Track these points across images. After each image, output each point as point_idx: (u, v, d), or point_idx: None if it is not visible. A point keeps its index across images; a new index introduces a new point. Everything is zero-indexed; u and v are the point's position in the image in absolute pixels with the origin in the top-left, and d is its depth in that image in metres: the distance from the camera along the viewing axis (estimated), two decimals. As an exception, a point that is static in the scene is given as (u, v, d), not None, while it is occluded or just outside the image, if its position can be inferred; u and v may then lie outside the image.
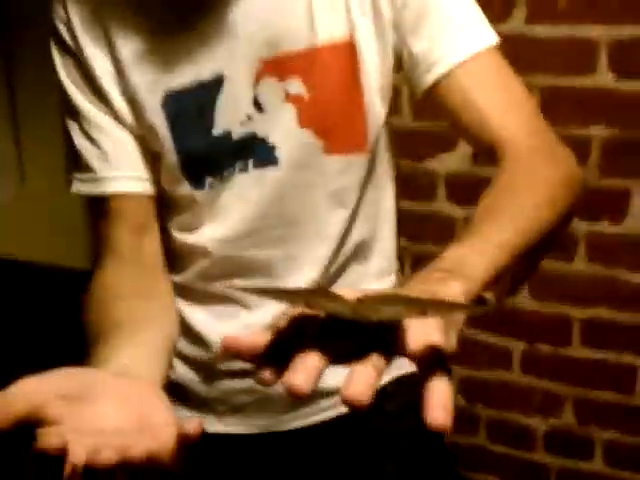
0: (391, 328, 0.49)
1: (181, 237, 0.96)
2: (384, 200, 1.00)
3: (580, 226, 1.63)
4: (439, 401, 0.45)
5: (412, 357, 0.48)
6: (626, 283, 1.63)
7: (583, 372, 1.73)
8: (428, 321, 0.51)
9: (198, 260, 0.96)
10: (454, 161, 1.73)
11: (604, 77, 1.55)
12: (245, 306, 0.96)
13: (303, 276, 0.95)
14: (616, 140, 1.57)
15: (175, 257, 0.97)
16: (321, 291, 0.58)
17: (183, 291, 0.96)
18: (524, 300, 1.72)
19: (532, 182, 0.79)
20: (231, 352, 0.51)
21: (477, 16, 0.89)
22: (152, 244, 0.93)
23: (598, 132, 1.58)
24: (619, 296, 1.65)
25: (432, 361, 0.47)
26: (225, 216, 0.93)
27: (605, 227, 1.63)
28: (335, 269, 0.96)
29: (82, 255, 2.52)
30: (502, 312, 1.67)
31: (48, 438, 0.51)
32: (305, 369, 0.45)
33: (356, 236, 0.97)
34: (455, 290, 0.58)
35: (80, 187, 0.92)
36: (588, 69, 1.57)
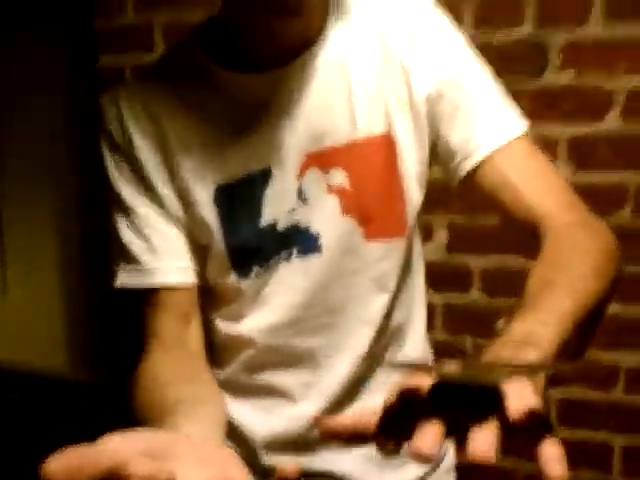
0: (494, 394, 0.52)
1: (227, 328, 0.98)
2: (418, 283, 1.03)
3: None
4: (553, 455, 0.48)
5: (515, 421, 0.50)
6: (598, 362, 1.72)
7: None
8: (524, 386, 0.54)
9: (243, 351, 0.98)
10: (430, 250, 1.83)
11: (562, 170, 1.70)
12: (290, 398, 0.98)
13: (344, 364, 0.97)
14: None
15: (219, 350, 0.99)
16: (425, 366, 0.61)
17: (226, 386, 0.97)
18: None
19: (577, 254, 0.81)
20: (328, 434, 0.56)
21: (508, 104, 0.94)
22: (196, 333, 0.94)
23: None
24: (592, 375, 1.73)
25: (534, 423, 0.50)
26: (270, 305, 0.95)
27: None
28: (375, 354, 0.98)
29: (62, 362, 2.53)
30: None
31: None
32: (430, 434, 0.49)
33: (395, 320, 0.99)
34: (533, 356, 0.61)
35: (126, 280, 0.94)
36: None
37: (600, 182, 1.67)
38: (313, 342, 0.97)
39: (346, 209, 0.93)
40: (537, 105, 1.68)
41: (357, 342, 0.97)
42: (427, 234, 1.82)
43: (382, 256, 0.95)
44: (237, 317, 0.97)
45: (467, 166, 0.91)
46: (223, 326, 0.98)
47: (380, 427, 0.54)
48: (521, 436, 0.51)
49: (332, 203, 0.92)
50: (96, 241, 2.21)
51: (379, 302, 0.97)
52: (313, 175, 0.92)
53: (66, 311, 2.53)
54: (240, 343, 0.98)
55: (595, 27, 1.62)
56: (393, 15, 0.93)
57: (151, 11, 2.01)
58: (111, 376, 2.28)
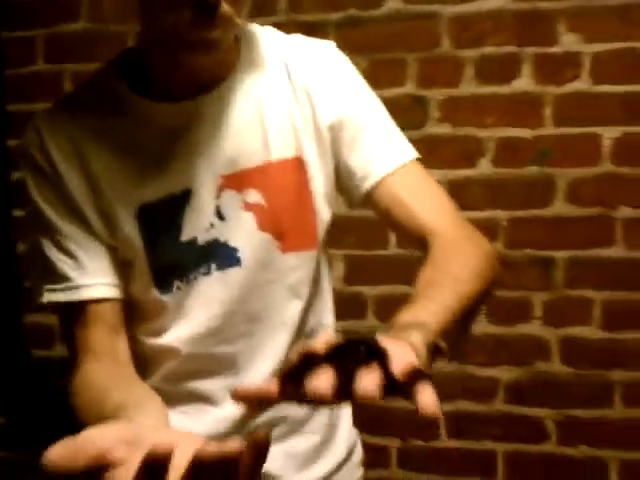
0: (377, 351, 0.61)
1: (150, 341, 1.01)
2: (328, 290, 1.09)
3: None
4: (428, 398, 0.57)
5: (399, 376, 0.59)
6: (479, 378, 1.94)
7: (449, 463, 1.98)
8: (404, 348, 0.64)
9: (166, 362, 1.02)
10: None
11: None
12: (213, 403, 1.02)
13: (265, 366, 1.01)
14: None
15: (143, 362, 1.01)
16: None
17: None
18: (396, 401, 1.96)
19: (459, 260, 0.89)
20: (246, 401, 0.61)
21: (398, 134, 1.03)
22: (124, 345, 0.97)
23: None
24: (474, 390, 1.94)
25: (414, 376, 0.60)
26: (192, 317, 0.99)
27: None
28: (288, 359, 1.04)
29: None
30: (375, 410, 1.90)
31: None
32: (323, 376, 0.57)
33: (309, 324, 1.05)
34: (416, 338, 0.69)
35: (53, 297, 0.96)
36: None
37: (475, 218, 1.91)
38: (234, 349, 1.01)
39: (262, 225, 0.98)
40: (420, 152, 1.91)
41: (275, 346, 1.02)
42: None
43: (296, 266, 1.01)
44: (160, 329, 1.00)
45: (365, 186, 0.99)
46: (147, 339, 1.01)
47: (283, 381, 0.61)
48: (401, 383, 0.60)
49: (249, 219, 0.97)
50: None
51: (294, 308, 1.02)
52: (229, 195, 0.97)
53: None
54: (163, 354, 1.01)
55: (468, 87, 1.88)
56: (299, 51, 1.01)
57: (61, 61, 2.11)
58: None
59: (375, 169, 0.99)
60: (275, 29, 1.04)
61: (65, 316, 0.98)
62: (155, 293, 0.98)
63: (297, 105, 0.99)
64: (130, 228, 0.95)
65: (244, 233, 0.98)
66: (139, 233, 0.95)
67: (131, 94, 0.96)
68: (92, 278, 0.95)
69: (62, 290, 0.96)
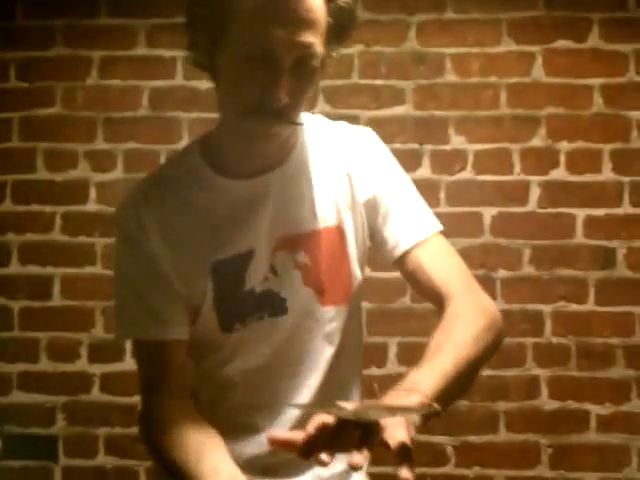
0: (375, 427, 0.80)
1: (213, 372, 1.15)
2: (356, 338, 1.22)
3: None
4: (407, 473, 0.77)
5: (390, 449, 0.78)
6: None
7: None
8: (398, 422, 0.81)
9: (226, 392, 1.16)
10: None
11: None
12: (256, 431, 1.15)
13: (299, 400, 1.14)
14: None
15: (209, 392, 1.17)
16: (335, 406, 0.86)
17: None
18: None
19: (466, 326, 1.02)
20: (278, 446, 0.82)
21: (425, 210, 1.17)
22: (187, 380, 1.14)
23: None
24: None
25: (401, 450, 0.78)
26: (247, 353, 1.13)
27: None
28: (326, 394, 1.16)
29: None
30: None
31: None
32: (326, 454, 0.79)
33: (340, 368, 1.18)
34: (414, 400, 0.86)
35: (137, 332, 1.13)
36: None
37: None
38: (277, 385, 1.15)
39: (307, 281, 1.12)
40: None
41: (310, 385, 1.15)
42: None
43: (332, 318, 1.15)
44: (221, 362, 1.14)
45: (394, 255, 1.14)
46: (211, 370, 1.15)
47: (304, 445, 0.81)
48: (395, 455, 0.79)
49: (297, 276, 1.12)
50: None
51: (327, 354, 1.15)
52: (283, 254, 1.12)
53: None
54: (225, 383, 1.15)
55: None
56: (342, 137, 1.16)
57: (34, 139, 2.40)
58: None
59: (403, 241, 1.13)
60: (322, 117, 1.20)
61: (144, 351, 1.15)
62: (219, 333, 1.12)
63: (339, 184, 1.14)
64: (205, 280, 1.10)
65: (292, 287, 1.12)
66: (212, 284, 1.11)
67: (210, 172, 1.11)
68: (168, 322, 1.11)
69: (146, 328, 1.11)
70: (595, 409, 2.26)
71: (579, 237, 2.28)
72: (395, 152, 2.23)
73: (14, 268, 2.41)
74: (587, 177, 2.29)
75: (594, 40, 2.31)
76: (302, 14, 0.98)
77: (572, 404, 2.26)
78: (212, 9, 1.01)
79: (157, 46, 2.37)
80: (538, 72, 2.32)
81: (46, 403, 2.40)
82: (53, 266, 2.40)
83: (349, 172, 1.15)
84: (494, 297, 2.27)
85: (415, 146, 2.32)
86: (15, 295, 2.41)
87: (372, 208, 1.15)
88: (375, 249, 1.17)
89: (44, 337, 2.41)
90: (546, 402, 2.26)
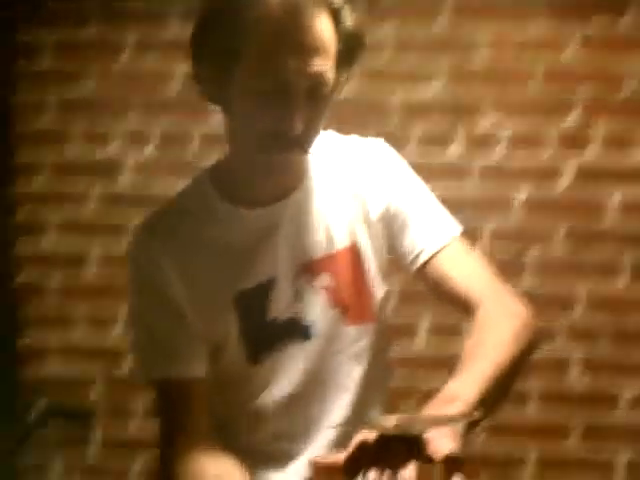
0: (421, 440, 0.77)
1: (241, 406, 1.14)
2: (385, 356, 1.22)
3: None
4: None
5: (436, 461, 0.75)
6: None
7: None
8: (443, 434, 0.79)
9: (255, 425, 1.14)
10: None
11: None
12: (289, 460, 1.14)
13: (333, 423, 1.14)
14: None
15: (235, 426, 1.15)
16: (377, 422, 0.89)
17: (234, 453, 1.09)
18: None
19: (497, 330, 1.01)
20: (320, 470, 0.81)
21: (443, 215, 1.15)
22: (208, 419, 1.10)
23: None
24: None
25: (449, 461, 0.75)
26: (277, 384, 1.12)
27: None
28: (356, 414, 1.16)
29: None
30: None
31: None
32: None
33: (371, 387, 1.17)
34: (456, 409, 0.85)
35: (157, 375, 1.10)
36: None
37: None
38: (310, 411, 1.14)
39: (331, 302, 1.13)
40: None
41: (342, 406, 1.15)
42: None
43: (358, 337, 1.15)
44: (250, 396, 1.13)
45: (416, 265, 1.13)
46: (238, 404, 1.14)
47: (347, 465, 0.80)
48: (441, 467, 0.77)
49: (320, 299, 1.12)
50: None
51: (356, 374, 1.15)
52: (304, 280, 1.12)
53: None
54: (252, 417, 1.14)
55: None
56: (353, 154, 1.16)
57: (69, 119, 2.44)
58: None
59: (423, 251, 1.12)
60: (334, 132, 1.18)
61: (163, 394, 1.13)
62: (246, 365, 1.12)
63: (351, 203, 1.14)
64: (227, 314, 1.10)
65: (316, 311, 1.13)
66: (235, 316, 1.10)
67: (223, 203, 1.11)
68: (188, 360, 1.10)
69: (164, 369, 1.10)
70: (626, 389, 2.27)
71: (612, 218, 2.28)
72: (427, 132, 2.33)
73: (50, 243, 2.47)
74: (621, 158, 2.28)
75: (631, 19, 2.28)
76: (313, 42, 0.98)
77: (603, 383, 2.27)
78: (221, 41, 1.00)
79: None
80: (573, 52, 2.30)
81: (83, 374, 2.46)
82: (89, 241, 2.45)
83: (361, 189, 1.14)
84: (525, 278, 2.29)
85: (447, 126, 2.32)
86: (52, 268, 2.46)
87: (388, 221, 1.14)
88: (397, 261, 1.16)
89: (81, 309, 2.46)
90: (577, 381, 2.27)
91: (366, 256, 1.14)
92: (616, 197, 2.29)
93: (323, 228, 1.13)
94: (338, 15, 1.01)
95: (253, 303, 1.11)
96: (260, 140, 1.02)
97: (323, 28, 0.99)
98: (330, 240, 1.13)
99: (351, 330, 1.15)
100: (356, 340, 1.15)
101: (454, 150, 2.33)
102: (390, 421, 0.80)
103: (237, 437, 1.15)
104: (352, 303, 1.14)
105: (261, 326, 1.11)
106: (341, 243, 1.13)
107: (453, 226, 1.15)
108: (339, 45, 1.02)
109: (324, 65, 0.99)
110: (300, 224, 1.12)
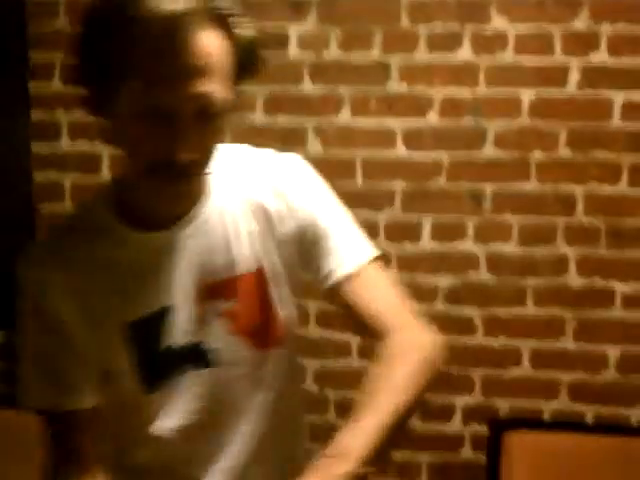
0: None
1: (136, 433, 1.10)
2: (296, 383, 1.21)
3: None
4: None
5: None
6: (423, 284, 2.42)
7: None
8: None
9: (153, 451, 1.11)
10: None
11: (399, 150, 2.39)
12: None
13: (236, 449, 1.12)
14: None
15: (130, 453, 1.12)
16: None
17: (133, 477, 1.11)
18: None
19: (399, 371, 0.98)
20: None
21: (358, 236, 1.11)
22: (97, 447, 1.06)
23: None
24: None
25: None
26: (174, 411, 1.08)
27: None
28: (261, 442, 1.15)
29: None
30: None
31: None
32: None
33: (282, 413, 1.15)
34: (342, 470, 0.87)
35: (43, 404, 1.05)
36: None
37: (422, 162, 2.38)
38: (212, 436, 1.12)
39: (234, 328, 1.08)
40: (382, 107, 2.38)
41: (247, 433, 1.13)
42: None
43: (261, 363, 1.11)
44: (146, 423, 1.09)
45: (327, 285, 1.09)
46: (133, 431, 1.10)
47: None
48: None
49: (222, 324, 1.08)
50: None
51: (263, 399, 1.13)
52: (204, 305, 1.07)
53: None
54: (150, 443, 1.10)
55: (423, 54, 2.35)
56: (263, 171, 1.10)
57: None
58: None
59: (335, 271, 1.08)
60: (246, 146, 1.13)
61: (51, 422, 1.08)
62: (140, 394, 1.07)
63: (256, 224, 1.08)
64: (118, 343, 1.04)
65: (219, 336, 1.08)
66: (129, 345, 1.05)
67: (117, 225, 1.04)
68: (78, 390, 1.05)
69: (51, 399, 1.05)
70: (620, 287, 2.35)
71: (616, 121, 2.31)
72: (435, 33, 2.33)
73: (64, 145, 2.50)
74: (628, 60, 2.29)
75: None
76: (197, 62, 0.90)
77: (599, 281, 2.36)
78: (98, 62, 0.93)
79: None
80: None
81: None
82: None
83: (272, 206, 1.09)
84: (529, 178, 2.35)
85: (455, 26, 2.32)
86: (65, 170, 2.51)
87: (300, 240, 1.10)
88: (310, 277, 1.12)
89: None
90: (573, 279, 2.36)
91: (273, 278, 1.10)
92: (620, 99, 2.30)
93: (225, 251, 1.07)
94: (228, 24, 0.94)
95: (148, 331, 1.05)
96: (146, 167, 0.95)
97: (209, 43, 0.91)
98: (232, 263, 1.08)
99: (255, 355, 1.11)
100: (259, 366, 1.12)
101: (462, 52, 2.33)
102: None
103: (139, 464, 1.13)
104: (256, 328, 1.10)
105: (156, 354, 1.06)
106: (245, 265, 1.08)
107: (368, 250, 1.11)
108: (235, 54, 0.95)
109: (210, 85, 0.92)
110: (200, 246, 1.06)
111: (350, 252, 1.09)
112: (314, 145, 2.38)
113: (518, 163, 2.34)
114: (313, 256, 1.09)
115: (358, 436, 0.91)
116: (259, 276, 1.09)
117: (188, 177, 0.97)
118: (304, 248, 1.10)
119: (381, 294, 1.08)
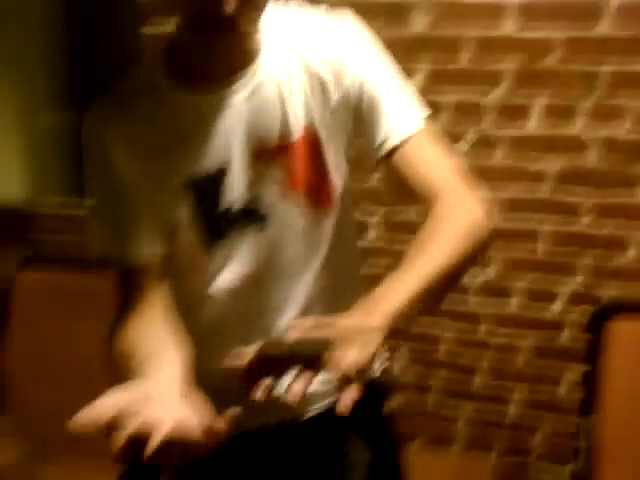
0: (318, 356, 0.84)
1: (197, 291, 1.13)
2: (350, 249, 1.21)
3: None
4: (346, 400, 0.81)
5: (335, 377, 0.82)
6: (532, 169, 2.35)
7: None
8: (349, 341, 0.85)
9: (211, 309, 1.14)
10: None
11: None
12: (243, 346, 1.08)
13: (289, 316, 1.15)
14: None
15: (191, 310, 1.13)
16: (272, 343, 0.90)
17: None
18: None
19: (449, 223, 1.01)
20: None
21: (411, 102, 1.11)
22: (168, 291, 1.10)
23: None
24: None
25: (348, 376, 0.82)
26: (231, 270, 1.12)
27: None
28: (314, 305, 1.17)
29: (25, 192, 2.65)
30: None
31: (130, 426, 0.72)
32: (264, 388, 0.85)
33: (331, 277, 1.17)
34: (376, 323, 0.88)
35: (105, 251, 1.10)
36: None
37: (534, 38, 2.25)
38: (266, 299, 1.15)
39: (287, 190, 1.10)
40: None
41: (298, 297, 1.15)
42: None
43: (314, 228, 1.13)
44: (206, 281, 1.12)
45: (381, 152, 1.09)
46: (194, 289, 1.13)
47: (246, 374, 0.86)
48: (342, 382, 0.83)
49: (276, 186, 1.10)
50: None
51: (314, 264, 1.15)
52: (258, 168, 1.08)
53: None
54: (209, 301, 1.14)
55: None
56: (315, 32, 1.09)
57: None
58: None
59: (388, 139, 1.09)
60: (296, 6, 1.11)
61: (121, 279, 1.13)
62: (199, 252, 1.11)
63: (310, 87, 1.08)
64: (177, 201, 1.08)
65: (272, 198, 1.10)
66: (187, 203, 1.08)
67: (171, 88, 1.06)
68: (137, 242, 1.09)
69: (113, 247, 1.10)
70: None
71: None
72: None
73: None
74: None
75: None
76: None
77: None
78: None
79: None
80: None
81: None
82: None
83: (324, 70, 1.08)
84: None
85: None
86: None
87: (353, 107, 1.09)
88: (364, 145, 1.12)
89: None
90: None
91: (325, 142, 1.10)
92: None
93: (279, 113, 1.08)
94: None
95: (207, 191, 1.08)
96: (191, 20, 0.96)
97: None
98: (286, 126, 1.08)
99: (307, 221, 1.13)
100: (314, 226, 1.13)
101: None
102: (288, 340, 0.86)
103: (201, 318, 1.17)
104: (309, 194, 1.11)
105: (215, 215, 1.09)
106: (298, 129, 1.09)
107: (421, 113, 1.11)
108: None
109: None
110: (254, 109, 1.07)
111: (404, 119, 1.09)
112: (420, 21, 2.29)
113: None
114: (366, 124, 1.10)
115: (398, 289, 0.93)
116: (312, 139, 1.10)
117: (230, 30, 0.96)
118: (357, 116, 1.10)
119: (435, 159, 1.09)
